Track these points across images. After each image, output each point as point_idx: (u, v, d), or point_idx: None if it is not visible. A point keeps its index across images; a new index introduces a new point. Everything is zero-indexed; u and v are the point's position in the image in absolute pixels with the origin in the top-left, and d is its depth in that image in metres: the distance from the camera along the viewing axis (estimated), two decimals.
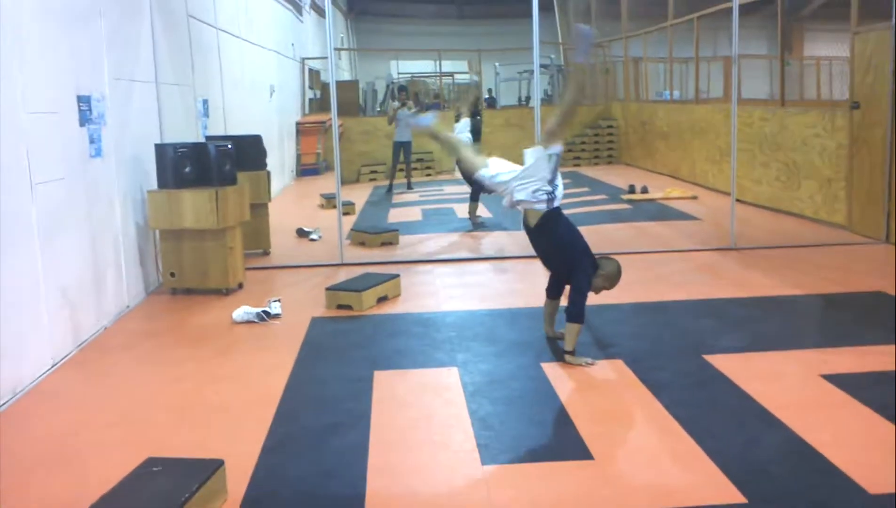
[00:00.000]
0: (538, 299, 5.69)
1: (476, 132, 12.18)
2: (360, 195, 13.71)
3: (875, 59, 8.35)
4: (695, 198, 11.84)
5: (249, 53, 12.51)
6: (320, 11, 21.14)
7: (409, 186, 14.63)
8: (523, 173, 4.96)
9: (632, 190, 12.51)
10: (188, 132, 8.27)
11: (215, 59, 10.08)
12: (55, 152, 5.34)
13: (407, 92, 15.00)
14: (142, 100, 7.04)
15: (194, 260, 6.81)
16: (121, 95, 6.50)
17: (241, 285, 7.11)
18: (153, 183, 6.90)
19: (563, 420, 4.10)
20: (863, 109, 8.57)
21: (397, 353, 5.26)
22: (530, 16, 8.16)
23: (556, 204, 4.96)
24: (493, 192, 5.42)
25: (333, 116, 8.35)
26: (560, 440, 3.90)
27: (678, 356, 5.01)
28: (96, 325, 5.85)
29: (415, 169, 15.91)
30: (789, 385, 4.49)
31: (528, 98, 21.44)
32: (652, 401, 4.30)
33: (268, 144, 9.32)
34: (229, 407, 4.43)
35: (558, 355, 5.04)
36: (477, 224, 10.09)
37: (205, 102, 9.24)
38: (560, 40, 22.20)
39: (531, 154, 4.98)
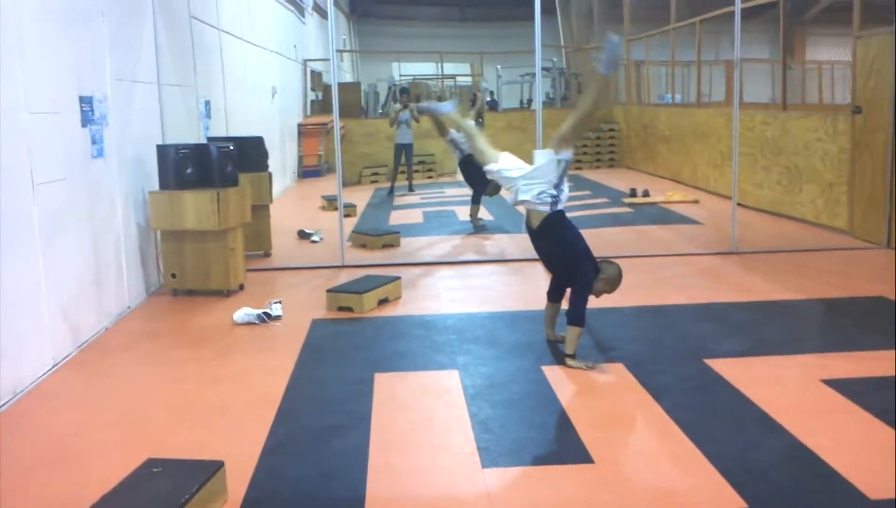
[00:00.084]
0: (539, 302, 5.70)
1: None
2: (361, 197, 13.70)
3: (877, 64, 8.35)
4: (696, 202, 11.83)
5: (251, 55, 12.52)
6: (322, 13, 21.17)
7: (411, 189, 14.62)
8: (531, 173, 4.96)
9: (633, 194, 12.50)
10: (190, 133, 8.28)
11: (217, 60, 10.09)
12: (57, 153, 5.34)
13: (409, 94, 15.00)
14: (144, 101, 7.04)
15: (195, 261, 6.82)
16: (123, 95, 6.50)
17: (242, 287, 7.11)
18: (155, 184, 6.91)
19: (563, 424, 4.10)
20: (865, 113, 8.58)
21: (398, 355, 5.26)
22: (532, 19, 8.18)
23: (559, 207, 4.97)
24: (497, 193, 5.44)
25: (335, 117, 8.35)
26: (560, 444, 3.90)
27: (679, 360, 5.01)
28: (97, 325, 5.86)
29: (416, 171, 15.92)
30: (790, 390, 4.49)
31: (529, 101, 21.44)
32: (652, 405, 4.30)
33: (269, 145, 9.33)
34: (230, 408, 4.44)
35: (559, 358, 5.04)
36: (478, 227, 10.08)
37: (207, 103, 9.25)
38: (562, 43, 22.21)
39: (541, 156, 4.98)
